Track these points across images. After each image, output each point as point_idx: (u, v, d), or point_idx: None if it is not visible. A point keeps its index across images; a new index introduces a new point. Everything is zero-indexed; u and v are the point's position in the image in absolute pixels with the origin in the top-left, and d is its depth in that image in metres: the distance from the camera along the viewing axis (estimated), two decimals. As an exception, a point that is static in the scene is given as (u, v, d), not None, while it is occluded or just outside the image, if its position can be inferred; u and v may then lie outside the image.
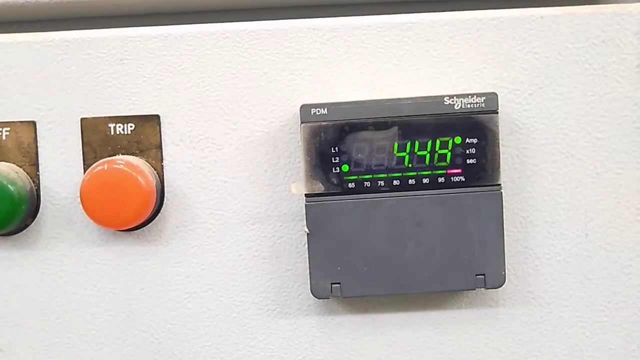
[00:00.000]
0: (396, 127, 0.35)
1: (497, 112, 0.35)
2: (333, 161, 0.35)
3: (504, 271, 0.35)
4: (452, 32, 0.37)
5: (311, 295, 0.37)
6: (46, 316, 0.38)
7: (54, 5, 0.38)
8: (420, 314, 0.38)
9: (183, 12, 0.40)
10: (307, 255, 0.37)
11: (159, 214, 0.38)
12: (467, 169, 0.35)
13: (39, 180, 0.38)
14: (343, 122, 0.35)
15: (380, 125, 0.35)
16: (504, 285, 0.36)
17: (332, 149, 0.35)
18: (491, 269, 0.35)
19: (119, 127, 0.37)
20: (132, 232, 0.38)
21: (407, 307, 0.38)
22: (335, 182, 0.35)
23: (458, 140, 0.35)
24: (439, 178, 0.35)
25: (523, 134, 0.38)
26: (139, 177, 0.35)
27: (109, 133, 0.37)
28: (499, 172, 0.35)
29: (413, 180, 0.35)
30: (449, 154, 0.35)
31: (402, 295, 0.37)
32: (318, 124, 0.35)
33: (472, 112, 0.35)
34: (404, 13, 0.37)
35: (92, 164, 0.37)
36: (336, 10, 0.40)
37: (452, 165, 0.35)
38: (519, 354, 0.38)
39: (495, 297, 0.38)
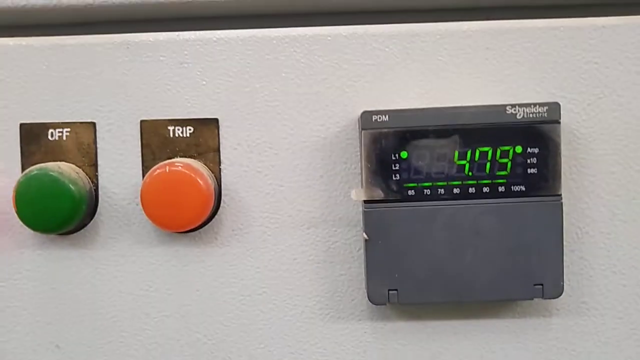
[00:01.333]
0: (457, 135, 0.35)
1: (559, 122, 0.35)
2: (393, 168, 0.35)
3: (562, 282, 0.35)
4: (512, 40, 0.37)
5: (364, 301, 0.37)
6: (101, 315, 0.39)
7: (115, 7, 0.38)
8: (473, 322, 0.38)
9: (242, 16, 0.40)
10: (363, 261, 0.37)
11: (216, 217, 0.38)
12: (527, 179, 0.35)
13: (97, 180, 0.38)
14: (404, 129, 0.35)
15: (441, 133, 0.35)
16: (558, 296, 0.36)
17: (393, 155, 0.35)
18: (549, 279, 0.35)
19: (178, 130, 0.38)
20: (188, 233, 0.38)
21: (459, 315, 0.38)
22: (394, 189, 0.35)
23: (519, 149, 0.35)
24: (499, 187, 0.35)
25: (581, 144, 0.37)
26: (198, 180, 0.36)
27: (168, 136, 0.38)
28: (560, 182, 0.35)
29: (473, 188, 0.35)
30: (510, 163, 0.35)
31: (455, 303, 0.37)
32: (379, 130, 0.35)
33: (534, 122, 0.35)
34: (463, 20, 0.37)
35: (150, 166, 0.37)
36: (394, 17, 0.40)
37: (513, 174, 0.35)
38: (571, 364, 0.38)
39: (549, 307, 0.38)
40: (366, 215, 0.35)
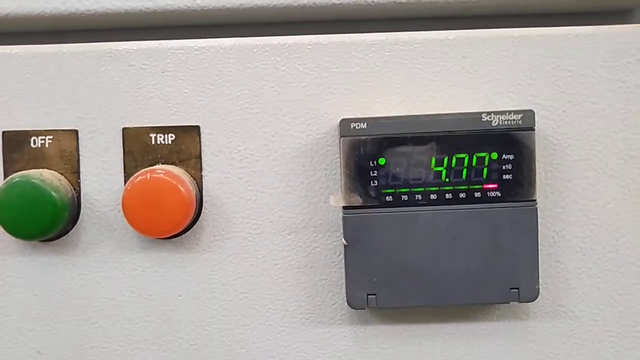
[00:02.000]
0: (434, 142, 0.35)
1: (534, 129, 0.36)
2: (371, 175, 0.36)
3: (538, 285, 0.36)
4: (488, 49, 0.38)
5: (345, 305, 0.38)
6: (84, 321, 0.39)
7: (98, 16, 0.39)
8: (452, 325, 0.39)
9: (224, 25, 0.41)
10: (343, 266, 0.37)
11: (197, 223, 0.38)
12: (503, 185, 0.36)
13: (79, 187, 0.39)
14: (382, 136, 0.36)
15: (419, 140, 0.35)
16: (535, 299, 0.37)
17: (371, 162, 0.36)
18: (525, 283, 0.36)
19: (160, 137, 0.38)
20: (170, 240, 0.39)
21: (439, 318, 0.39)
22: (373, 195, 0.36)
23: (494, 156, 0.36)
24: (476, 193, 0.36)
25: (556, 150, 0.38)
26: (180, 186, 0.36)
27: (150, 143, 0.38)
28: (535, 188, 0.36)
29: (450, 194, 0.36)
30: (486, 169, 0.36)
31: (434, 307, 0.38)
32: (357, 138, 0.36)
33: (509, 129, 0.35)
34: (441, 30, 0.38)
35: (132, 173, 0.38)
36: (374, 25, 0.41)
37: (489, 180, 0.36)
38: (548, 367, 0.39)
39: (527, 310, 0.39)
40: (345, 221, 0.36)
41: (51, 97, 0.38)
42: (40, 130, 0.38)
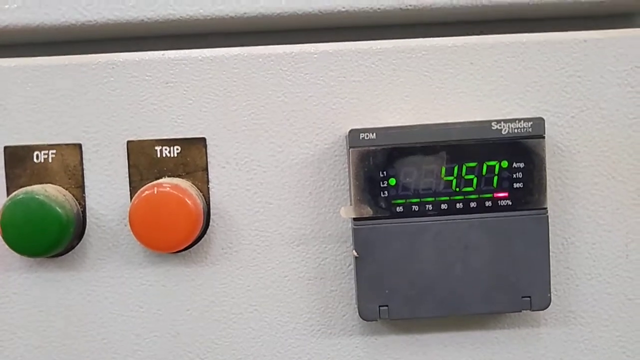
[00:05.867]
0: (444, 152, 0.35)
1: (544, 137, 0.35)
2: (381, 185, 0.35)
3: (550, 293, 0.36)
4: (496, 55, 0.37)
5: (356, 316, 0.38)
6: (91, 337, 0.38)
7: (100, 27, 0.38)
8: (463, 334, 0.38)
9: (227, 34, 0.40)
10: (353, 277, 0.37)
11: (205, 236, 0.38)
12: (513, 193, 0.35)
13: (85, 202, 0.38)
14: (391, 146, 0.35)
15: (428, 149, 0.35)
16: (546, 306, 0.37)
17: (381, 173, 0.35)
18: (537, 291, 0.36)
19: (166, 149, 0.38)
20: (178, 253, 0.38)
21: (450, 328, 0.38)
22: (383, 206, 0.35)
23: (505, 164, 0.35)
24: (486, 202, 0.35)
25: (565, 157, 0.38)
26: (187, 200, 0.35)
27: (155, 156, 0.38)
28: (545, 196, 0.35)
29: (460, 204, 0.35)
30: (496, 178, 0.35)
31: (446, 317, 0.38)
32: (366, 148, 0.35)
33: (519, 137, 0.35)
34: (448, 36, 0.38)
35: (138, 187, 0.37)
36: (381, 32, 0.40)
37: (499, 189, 0.35)
38: (560, 373, 0.39)
39: (537, 317, 0.38)
40: (356, 232, 0.36)
41: (53, 111, 0.38)
42: (43, 145, 0.38)
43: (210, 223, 0.38)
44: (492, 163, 0.35)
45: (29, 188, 0.36)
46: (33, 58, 0.38)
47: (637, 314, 0.38)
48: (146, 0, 0.37)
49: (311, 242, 0.38)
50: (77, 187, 0.38)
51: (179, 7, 0.38)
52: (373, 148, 0.35)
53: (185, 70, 0.37)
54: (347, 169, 0.37)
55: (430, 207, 0.35)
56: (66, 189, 0.38)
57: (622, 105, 0.38)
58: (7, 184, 0.38)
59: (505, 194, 0.35)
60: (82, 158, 0.38)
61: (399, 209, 0.35)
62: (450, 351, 0.38)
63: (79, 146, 0.38)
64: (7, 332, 0.38)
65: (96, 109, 0.38)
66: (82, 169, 0.38)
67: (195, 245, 0.38)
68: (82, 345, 0.38)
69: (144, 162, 0.38)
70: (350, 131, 0.35)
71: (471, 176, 0.35)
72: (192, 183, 0.38)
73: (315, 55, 0.37)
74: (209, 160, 0.38)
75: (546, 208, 0.36)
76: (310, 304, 0.38)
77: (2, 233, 0.35)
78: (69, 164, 0.38)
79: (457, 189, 0.35)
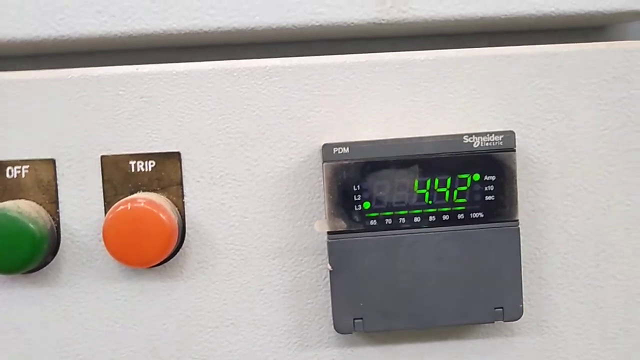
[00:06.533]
0: (416, 165, 0.35)
1: (515, 150, 0.36)
2: (355, 199, 0.35)
3: (522, 304, 0.36)
4: (469, 69, 0.38)
5: (331, 328, 0.38)
6: (67, 353, 0.38)
7: (72, 41, 0.38)
8: (439, 344, 0.39)
9: (202, 47, 0.40)
10: (329, 290, 0.37)
11: (180, 250, 0.38)
12: (485, 206, 0.36)
13: (59, 217, 0.38)
14: (364, 160, 0.35)
15: (401, 163, 0.35)
16: (519, 316, 0.37)
17: (354, 187, 0.35)
18: (509, 302, 0.36)
19: (140, 164, 0.38)
20: (153, 268, 0.38)
21: (425, 339, 0.39)
22: (357, 219, 0.36)
23: (477, 177, 0.36)
24: (459, 214, 0.36)
25: (537, 168, 0.38)
26: (161, 215, 0.35)
27: (129, 170, 0.38)
28: (517, 208, 0.36)
29: (433, 216, 0.36)
30: (468, 191, 0.36)
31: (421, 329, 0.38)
32: (340, 162, 0.35)
33: (490, 150, 0.36)
34: (423, 50, 0.38)
35: (112, 202, 0.37)
36: (355, 46, 0.40)
37: (471, 202, 0.36)
38: (534, 381, 0.39)
39: (511, 327, 0.39)
40: (330, 246, 0.36)
41: (26, 126, 0.37)
42: (16, 160, 0.37)
43: (186, 237, 0.38)
44: (464, 176, 0.36)
45: (1, 204, 0.36)
46: (5, 72, 0.38)
47: (609, 322, 0.39)
48: (119, 15, 0.37)
49: (287, 256, 0.38)
50: (51, 202, 0.38)
51: (153, 21, 0.37)
52: (346, 162, 0.35)
53: (160, 84, 0.37)
54: (321, 182, 0.37)
55: (403, 220, 0.36)
56: (40, 205, 0.38)
57: (593, 118, 0.38)
58: (-21, 200, 0.37)
59: (478, 207, 0.36)
60: (55, 173, 0.38)
61: (373, 222, 0.36)
62: (425, 362, 0.39)
63: (53, 161, 0.38)
64: (-19, 349, 0.38)
65: (70, 124, 0.37)
66: (56, 184, 0.38)
67: (171, 260, 0.38)
68: (58, 361, 0.38)
69: (118, 176, 0.38)
70: (324, 146, 0.36)
71: (444, 189, 0.36)
72: (167, 198, 0.38)
73: (290, 69, 0.38)
74: (183, 174, 0.38)
75: (517, 220, 0.36)
76: (286, 317, 0.38)
77: (-26, 250, 0.35)
78: (43, 179, 0.38)
79: (430, 202, 0.36)
